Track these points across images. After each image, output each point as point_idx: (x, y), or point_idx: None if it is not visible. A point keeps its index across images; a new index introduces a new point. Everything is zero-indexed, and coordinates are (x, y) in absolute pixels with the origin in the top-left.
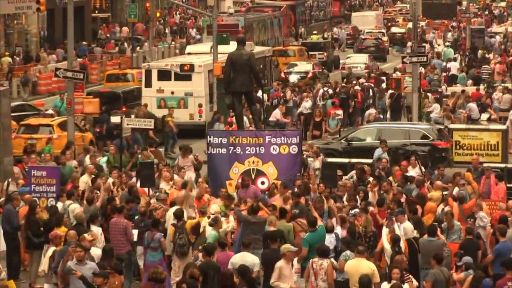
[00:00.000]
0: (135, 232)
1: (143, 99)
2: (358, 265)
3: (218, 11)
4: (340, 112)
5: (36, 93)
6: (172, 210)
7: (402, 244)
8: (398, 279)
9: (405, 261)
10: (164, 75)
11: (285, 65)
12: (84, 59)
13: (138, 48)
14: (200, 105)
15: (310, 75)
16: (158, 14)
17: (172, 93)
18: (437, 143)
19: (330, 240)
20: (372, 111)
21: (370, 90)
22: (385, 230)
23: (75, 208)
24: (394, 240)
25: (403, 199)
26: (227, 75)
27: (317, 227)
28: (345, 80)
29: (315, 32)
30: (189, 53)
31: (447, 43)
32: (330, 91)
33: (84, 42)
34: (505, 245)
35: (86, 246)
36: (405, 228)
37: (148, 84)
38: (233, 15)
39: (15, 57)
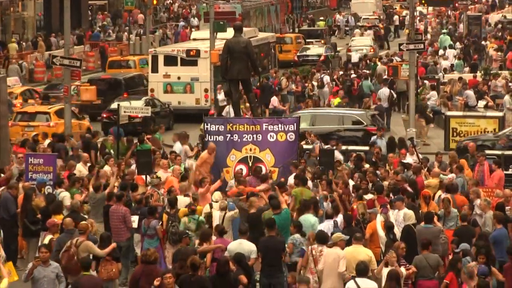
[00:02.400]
0: (135, 218)
1: (150, 84)
2: (356, 252)
3: None
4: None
5: (33, 80)
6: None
7: (396, 230)
8: (394, 264)
9: (402, 247)
10: (170, 60)
11: (281, 52)
12: (103, 42)
13: (143, 35)
14: (206, 90)
15: (322, 58)
16: (155, 2)
17: (179, 78)
18: (370, 128)
19: (328, 227)
20: (385, 90)
21: (368, 78)
22: (379, 218)
23: (64, 196)
24: (388, 227)
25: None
26: (224, 63)
27: (281, 210)
28: (342, 67)
29: (321, 18)
30: (194, 39)
31: (443, 30)
32: (326, 78)
33: (98, 28)
34: (501, 232)
35: (84, 229)
36: (405, 214)
37: (155, 69)
38: (230, 2)
39: (21, 43)
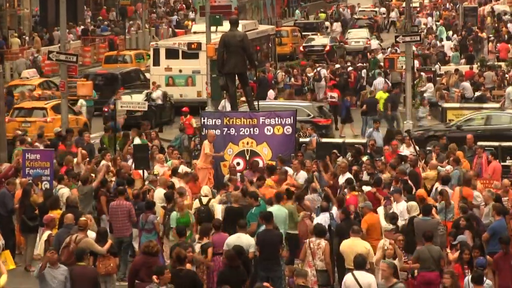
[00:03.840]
0: None
1: (152, 78)
2: (354, 245)
3: None
4: (335, 94)
5: None
6: (160, 191)
7: (400, 222)
8: (391, 255)
9: (399, 239)
10: (172, 53)
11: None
12: (112, 35)
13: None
14: (207, 83)
15: (327, 48)
16: None
17: (180, 71)
18: (317, 120)
19: (324, 219)
20: (380, 79)
21: (363, 71)
22: (381, 210)
23: (64, 192)
24: (391, 218)
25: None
26: (220, 57)
27: (259, 201)
28: (339, 59)
29: (322, 10)
30: (195, 32)
31: (437, 22)
32: (323, 71)
33: (106, 22)
34: (501, 223)
35: (85, 225)
36: (411, 205)
37: (157, 62)
38: None
39: (24, 37)
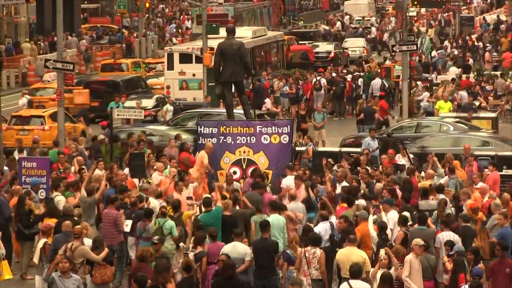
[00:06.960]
0: (129, 222)
1: (166, 82)
2: (350, 254)
3: (208, 1)
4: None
5: (26, 84)
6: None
7: (389, 232)
8: (386, 265)
9: (400, 252)
10: (185, 58)
11: None
12: (129, 37)
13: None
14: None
15: (332, 55)
16: (147, 5)
17: (194, 75)
18: None
19: (325, 229)
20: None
21: (360, 80)
22: (371, 218)
23: (60, 200)
24: (381, 227)
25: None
26: (217, 65)
27: (211, 208)
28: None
29: (301, 18)
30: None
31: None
32: (323, 81)
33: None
34: (507, 230)
35: (80, 233)
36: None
37: (171, 67)
38: (222, 4)
39: (39, 42)
